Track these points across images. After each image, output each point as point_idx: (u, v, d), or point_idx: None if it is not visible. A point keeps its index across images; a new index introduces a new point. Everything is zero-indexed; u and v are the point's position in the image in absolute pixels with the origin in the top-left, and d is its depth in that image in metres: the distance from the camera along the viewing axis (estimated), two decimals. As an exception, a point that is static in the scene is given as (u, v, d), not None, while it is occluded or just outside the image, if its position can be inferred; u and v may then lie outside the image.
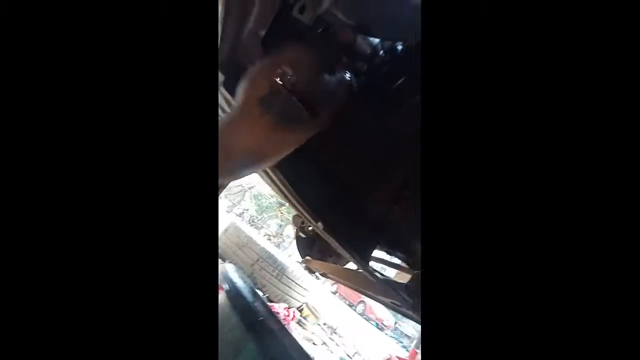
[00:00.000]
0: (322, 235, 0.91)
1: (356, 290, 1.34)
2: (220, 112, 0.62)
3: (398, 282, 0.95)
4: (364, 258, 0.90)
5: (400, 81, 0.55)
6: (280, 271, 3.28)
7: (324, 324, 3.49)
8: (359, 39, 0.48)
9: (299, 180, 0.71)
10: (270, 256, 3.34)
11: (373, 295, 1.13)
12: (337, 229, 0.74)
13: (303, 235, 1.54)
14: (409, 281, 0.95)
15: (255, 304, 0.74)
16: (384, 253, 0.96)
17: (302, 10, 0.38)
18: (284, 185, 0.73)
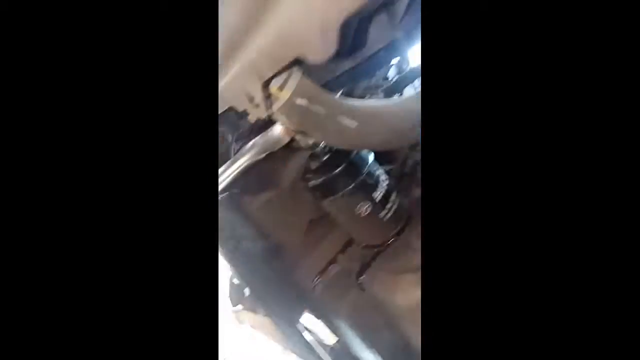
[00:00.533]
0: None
1: (285, 348, 1.29)
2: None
3: (324, 344, 0.95)
4: (290, 321, 0.90)
5: (337, 170, 0.62)
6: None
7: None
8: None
9: (233, 239, 0.72)
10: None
11: (299, 356, 1.11)
12: (263, 293, 0.75)
13: (236, 282, 1.48)
14: (335, 342, 0.96)
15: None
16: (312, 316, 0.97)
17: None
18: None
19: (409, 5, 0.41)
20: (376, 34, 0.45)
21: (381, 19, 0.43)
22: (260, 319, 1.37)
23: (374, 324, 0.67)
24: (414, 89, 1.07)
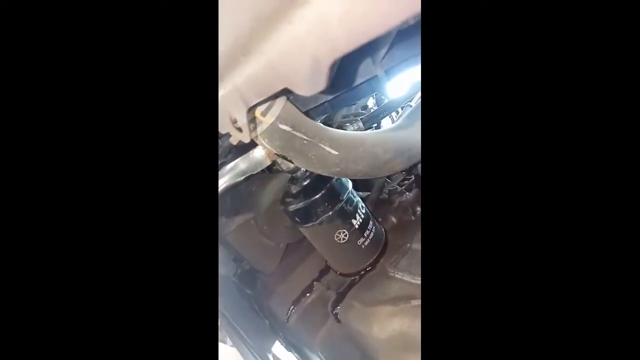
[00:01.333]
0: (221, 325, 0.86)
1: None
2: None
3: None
4: (260, 351, 0.86)
5: (317, 196, 0.62)
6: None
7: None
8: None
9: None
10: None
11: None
12: (233, 320, 0.71)
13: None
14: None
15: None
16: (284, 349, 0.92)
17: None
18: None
19: (389, 48, 0.44)
20: (360, 70, 0.48)
21: (366, 59, 0.46)
22: (228, 349, 1.28)
23: (349, 357, 0.65)
24: (391, 121, 1.13)
